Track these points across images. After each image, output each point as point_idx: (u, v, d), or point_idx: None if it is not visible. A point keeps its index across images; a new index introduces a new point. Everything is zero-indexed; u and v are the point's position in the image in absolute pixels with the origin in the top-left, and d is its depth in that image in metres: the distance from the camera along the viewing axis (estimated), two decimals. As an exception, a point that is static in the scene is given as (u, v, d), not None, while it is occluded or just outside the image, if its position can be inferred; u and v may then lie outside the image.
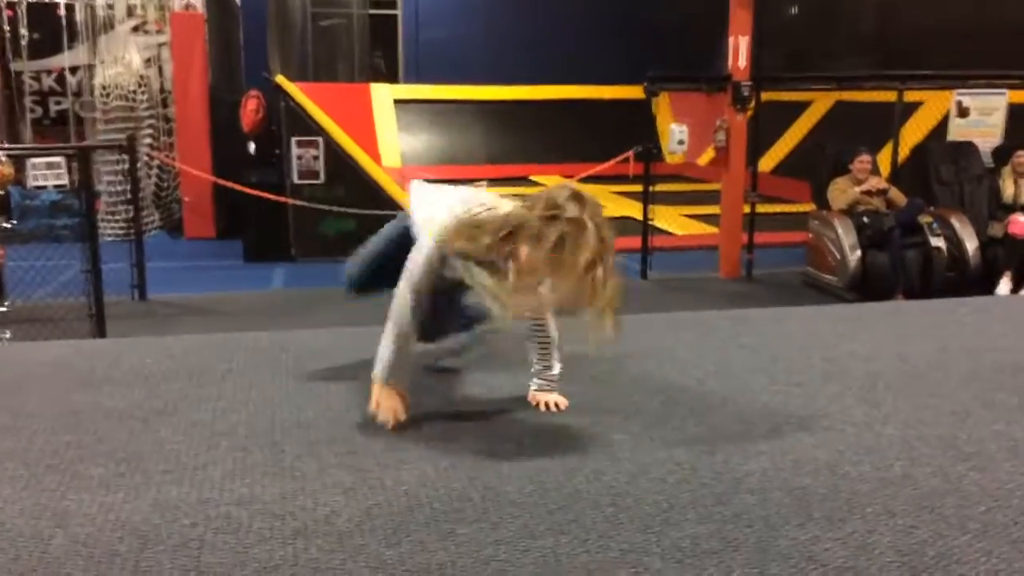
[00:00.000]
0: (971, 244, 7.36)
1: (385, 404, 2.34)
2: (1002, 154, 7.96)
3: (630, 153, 8.29)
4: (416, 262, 2.25)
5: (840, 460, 2.18)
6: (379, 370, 2.34)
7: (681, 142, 8.29)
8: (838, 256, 7.35)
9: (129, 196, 8.68)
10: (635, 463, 2.17)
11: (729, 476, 2.11)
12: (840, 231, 7.33)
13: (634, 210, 10.40)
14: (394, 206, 9.02)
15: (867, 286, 7.24)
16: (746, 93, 7.77)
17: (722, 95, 8.11)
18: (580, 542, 1.80)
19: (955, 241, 7.39)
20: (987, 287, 7.12)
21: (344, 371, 2.88)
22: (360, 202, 9.12)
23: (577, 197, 2.00)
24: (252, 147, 10.63)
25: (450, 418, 2.49)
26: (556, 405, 2.48)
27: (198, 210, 10.35)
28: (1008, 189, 7.41)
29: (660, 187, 8.97)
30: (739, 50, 7.84)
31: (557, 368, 2.49)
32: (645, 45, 14.64)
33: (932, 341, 3.16)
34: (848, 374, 2.81)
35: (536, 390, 2.50)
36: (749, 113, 7.92)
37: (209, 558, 1.74)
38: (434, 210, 2.26)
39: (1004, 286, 7.06)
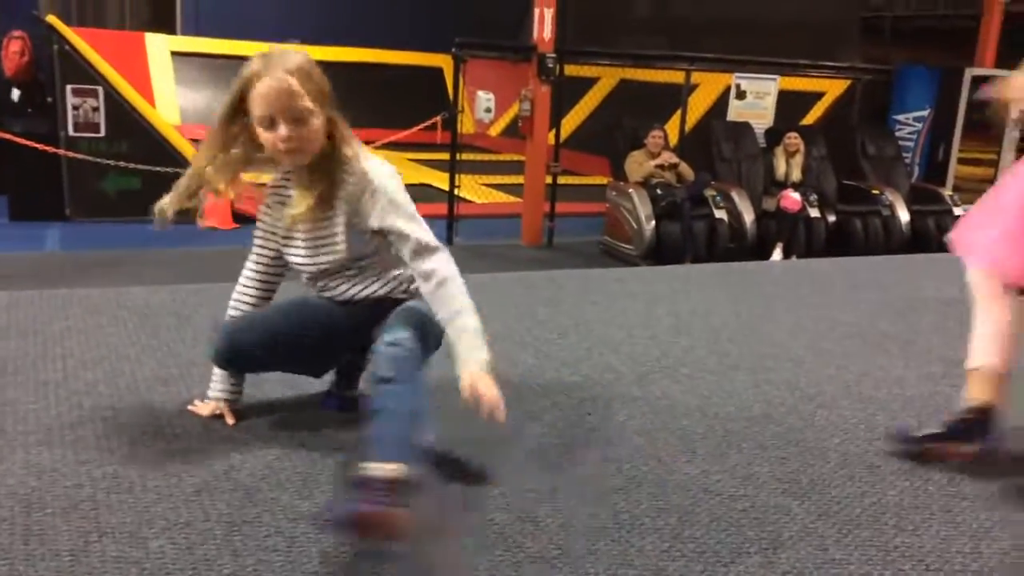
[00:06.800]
0: (748, 217, 8.00)
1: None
2: (772, 136, 8.72)
3: (437, 119, 8.31)
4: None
5: (708, 403, 2.35)
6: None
7: (488, 110, 8.42)
8: (635, 226, 7.75)
9: None
10: (522, 410, 2.23)
11: (614, 420, 2.22)
12: (637, 202, 7.72)
13: (433, 178, 10.45)
14: (184, 163, 8.53)
15: (660, 254, 7.70)
16: (551, 65, 7.98)
17: (520, 66, 8.30)
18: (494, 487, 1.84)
19: (735, 214, 8.00)
20: (762, 256, 7.78)
21: (195, 327, 2.73)
22: (146, 158, 8.51)
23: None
24: (16, 94, 9.60)
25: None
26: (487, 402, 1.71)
27: (-50, 162, 9.23)
28: (780, 167, 8.13)
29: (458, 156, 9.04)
30: (544, 21, 8.03)
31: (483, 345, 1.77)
32: (442, 12, 14.63)
33: (758, 299, 3.46)
34: (694, 328, 3.02)
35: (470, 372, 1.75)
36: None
37: (110, 519, 1.62)
38: None
39: (776, 255, 7.76)
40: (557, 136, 8.90)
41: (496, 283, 3.56)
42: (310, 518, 1.66)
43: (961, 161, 9.05)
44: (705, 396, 2.40)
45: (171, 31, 15.67)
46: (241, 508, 1.70)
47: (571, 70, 9.17)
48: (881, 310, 3.40)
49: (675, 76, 9.50)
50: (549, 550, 1.61)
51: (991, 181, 8.15)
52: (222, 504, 1.71)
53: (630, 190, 7.90)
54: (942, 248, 5.30)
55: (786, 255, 7.81)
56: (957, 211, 7.84)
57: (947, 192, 8.37)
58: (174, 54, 14.46)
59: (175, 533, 1.59)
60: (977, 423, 2.01)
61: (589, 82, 13.75)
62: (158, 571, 1.47)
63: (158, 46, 14.41)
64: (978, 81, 8.29)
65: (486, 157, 12.47)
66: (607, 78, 13.39)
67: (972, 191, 8.05)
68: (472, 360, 1.73)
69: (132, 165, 8.40)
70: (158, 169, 8.05)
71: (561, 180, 8.94)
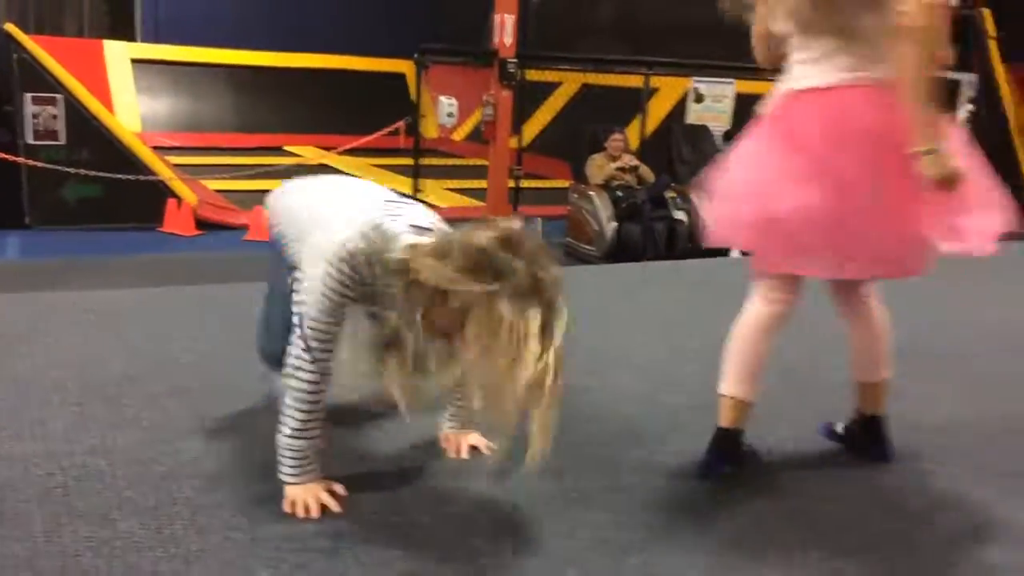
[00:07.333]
0: (707, 218, 8.11)
1: (308, 499, 1.73)
2: (731, 138, 8.91)
3: (400, 124, 8.37)
4: (309, 305, 1.65)
5: (656, 391, 2.47)
6: (287, 471, 1.73)
7: (451, 115, 8.50)
8: (596, 227, 7.87)
9: None
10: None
11: (566, 409, 2.30)
12: (598, 204, 7.84)
13: (396, 182, 10.50)
14: (146, 171, 8.48)
15: (621, 255, 7.81)
16: (512, 70, 8.10)
17: (482, 71, 8.41)
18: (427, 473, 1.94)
19: (694, 215, 8.14)
20: (721, 255, 7.93)
21: (161, 328, 2.79)
22: (107, 166, 8.47)
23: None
24: (-26, 103, 9.51)
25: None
26: (474, 448, 2.01)
27: (-94, 171, 9.13)
28: (738, 169, 8.31)
29: (421, 161, 9.15)
30: (505, 27, 8.14)
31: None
32: (404, 17, 14.71)
33: (710, 293, 3.59)
34: (649, 320, 3.14)
35: (450, 428, 2.04)
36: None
37: (80, 503, 1.70)
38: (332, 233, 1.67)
39: (735, 254, 7.92)
40: (520, 140, 9.02)
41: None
42: (272, 499, 1.74)
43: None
44: (654, 385, 2.52)
45: (131, 38, 15.59)
46: (206, 492, 1.77)
47: (533, 75, 9.28)
48: (828, 303, 3.53)
49: (636, 80, 9.67)
50: (501, 525, 1.71)
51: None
52: (188, 489, 1.78)
53: (591, 193, 8.02)
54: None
55: (744, 254, 7.97)
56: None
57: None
58: (134, 61, 14.39)
59: (144, 515, 1.66)
60: (719, 449, 1.96)
61: (551, 87, 13.86)
62: (129, 548, 1.55)
63: (117, 53, 14.36)
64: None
65: (449, 162, 12.54)
66: (569, 83, 13.51)
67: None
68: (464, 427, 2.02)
69: (92, 173, 8.37)
70: (119, 176, 8.03)
71: (524, 184, 9.05)
